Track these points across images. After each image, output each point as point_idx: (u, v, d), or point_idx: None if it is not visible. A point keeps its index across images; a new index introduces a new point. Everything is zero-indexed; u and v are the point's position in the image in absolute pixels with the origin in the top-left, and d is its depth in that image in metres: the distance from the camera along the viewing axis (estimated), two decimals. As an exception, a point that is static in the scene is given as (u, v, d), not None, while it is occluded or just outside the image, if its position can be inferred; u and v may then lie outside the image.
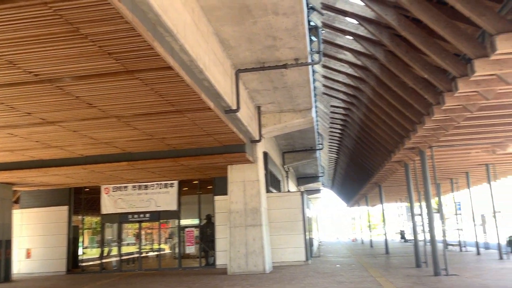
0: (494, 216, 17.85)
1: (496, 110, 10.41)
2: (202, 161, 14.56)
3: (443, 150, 14.26)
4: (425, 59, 9.83)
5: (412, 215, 16.76)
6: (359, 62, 13.28)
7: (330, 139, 28.63)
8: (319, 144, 24.04)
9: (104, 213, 18.66)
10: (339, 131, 24.88)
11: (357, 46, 12.34)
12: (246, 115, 13.30)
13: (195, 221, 18.74)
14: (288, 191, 27.22)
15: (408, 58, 9.78)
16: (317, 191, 46.26)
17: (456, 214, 23.29)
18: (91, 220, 19.92)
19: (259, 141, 15.52)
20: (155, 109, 9.57)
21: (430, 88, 10.43)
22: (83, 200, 19.53)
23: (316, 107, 17.78)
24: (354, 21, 11.17)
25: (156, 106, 9.35)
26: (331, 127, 24.43)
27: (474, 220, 20.20)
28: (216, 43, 10.05)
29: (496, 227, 17.75)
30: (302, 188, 39.52)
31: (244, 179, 15.58)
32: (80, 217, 19.47)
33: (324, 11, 11.10)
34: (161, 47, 6.75)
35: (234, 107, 11.41)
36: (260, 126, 15.71)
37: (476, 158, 16.55)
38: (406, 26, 8.85)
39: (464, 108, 10.08)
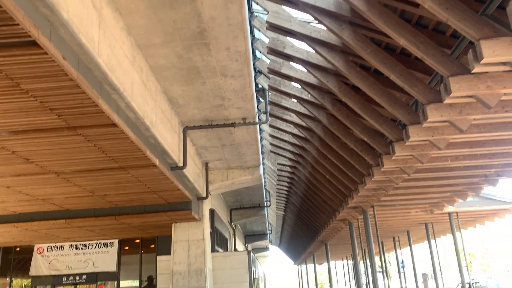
0: (434, 274, 18.36)
1: (431, 173, 11.03)
2: (145, 219, 14.09)
3: (385, 209, 14.76)
4: (364, 123, 10.38)
5: (357, 273, 16.89)
6: (303, 123, 13.77)
7: (277, 196, 28.83)
8: (267, 201, 24.11)
9: (35, 274, 17.28)
10: (286, 188, 25.17)
11: (301, 109, 12.85)
12: (193, 171, 13.20)
13: (136, 283, 17.76)
14: (235, 249, 26.69)
15: (348, 122, 10.29)
16: (265, 249, 45.76)
17: (399, 272, 23.74)
18: (20, 282, 18.35)
19: (205, 198, 15.34)
20: (97, 166, 9.28)
21: (370, 151, 10.95)
22: (12, 261, 18.04)
23: (264, 164, 18.01)
24: (299, 86, 11.71)
25: (98, 163, 9.08)
26: (278, 185, 24.69)
27: (416, 278, 20.65)
28: (165, 101, 10.11)
29: (437, 285, 18.22)
30: (250, 246, 38.92)
31: (189, 238, 15.16)
32: (7, 279, 17.88)
33: (270, 75, 11.58)
34: (106, 104, 6.69)
35: (180, 164, 11.32)
36: (207, 183, 15.59)
37: (415, 217, 17.22)
38: (346, 93, 9.39)
39: (402, 171, 10.60)
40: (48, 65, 5.25)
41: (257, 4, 9.05)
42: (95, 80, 6.43)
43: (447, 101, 6.75)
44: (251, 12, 9.41)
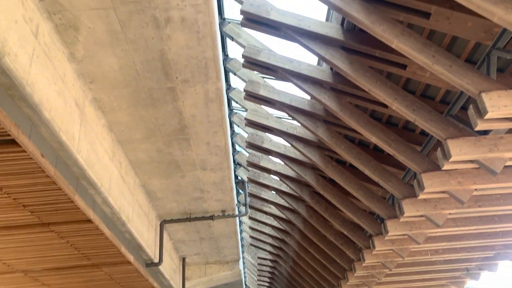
0: None
1: (412, 267, 10.87)
2: (117, 320, 13.15)
3: (369, 305, 14.20)
4: (343, 216, 10.40)
5: None
6: (283, 216, 13.70)
7: (258, 291, 27.57)
8: (247, 297, 22.99)
9: None
10: (267, 284, 24.19)
11: (281, 201, 12.87)
12: (169, 267, 12.68)
13: None
14: None
15: (327, 214, 10.29)
16: None
17: None
18: None
19: (182, 296, 14.56)
20: (69, 263, 8.87)
21: (351, 244, 10.83)
22: None
23: (243, 258, 17.49)
24: (278, 178, 11.86)
25: (70, 260, 8.69)
26: (259, 280, 23.76)
27: None
28: (142, 194, 10.03)
29: None
30: None
31: None
32: None
33: (249, 168, 11.74)
34: (82, 200, 6.60)
35: (156, 260, 10.92)
36: (184, 279, 14.92)
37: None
38: (324, 186, 9.52)
39: (383, 265, 10.43)
40: (26, 162, 5.24)
41: (236, 102, 9.48)
42: (73, 176, 6.41)
43: (422, 196, 6.90)
44: (230, 109, 9.81)
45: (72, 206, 6.52)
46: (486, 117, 4.91)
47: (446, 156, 5.83)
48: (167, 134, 8.22)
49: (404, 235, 8.89)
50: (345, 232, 10.22)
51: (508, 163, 6.00)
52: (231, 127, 10.43)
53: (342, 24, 6.48)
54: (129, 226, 8.61)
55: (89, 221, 7.04)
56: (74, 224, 7.13)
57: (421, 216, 7.77)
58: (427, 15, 5.39)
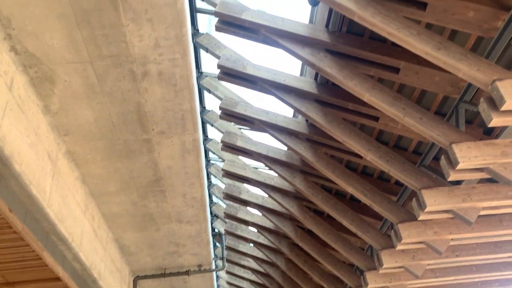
0: None
1: (393, 320, 10.61)
2: None
3: None
4: (323, 268, 10.21)
5: None
6: (262, 269, 13.36)
7: None
8: None
9: None
10: None
11: (259, 254, 12.60)
12: (142, 327, 12.05)
13: None
14: None
15: (307, 267, 10.10)
16: None
17: None
18: None
19: None
20: (34, 325, 8.33)
21: (331, 297, 10.57)
22: None
23: (220, 314, 16.79)
24: (255, 230, 11.67)
25: (35, 321, 8.16)
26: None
27: None
28: (115, 249, 9.68)
29: None
30: None
31: None
32: None
33: (227, 220, 11.56)
34: (51, 256, 6.32)
35: (129, 319, 10.39)
36: None
37: None
38: (302, 237, 9.41)
39: (365, 319, 10.15)
40: (-8, 218, 5.04)
41: (214, 153, 9.47)
42: (42, 232, 6.16)
43: (400, 247, 6.87)
44: (207, 160, 9.79)
45: (40, 263, 6.23)
46: (458, 167, 5.02)
47: (421, 206, 5.88)
48: (142, 186, 8.09)
49: (384, 287, 8.75)
50: (325, 286, 10.00)
51: (482, 212, 6.09)
52: (208, 178, 10.35)
53: (315, 78, 6.68)
54: (100, 283, 8.22)
55: (57, 279, 6.71)
56: (42, 283, 6.77)
57: (400, 267, 7.70)
58: (396, 70, 5.62)
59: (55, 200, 6.23)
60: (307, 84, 6.70)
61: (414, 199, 6.14)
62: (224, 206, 11.51)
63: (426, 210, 5.81)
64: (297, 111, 6.71)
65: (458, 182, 6.04)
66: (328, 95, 6.56)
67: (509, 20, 4.47)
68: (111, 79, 6.07)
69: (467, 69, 4.32)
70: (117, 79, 6.08)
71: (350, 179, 7.04)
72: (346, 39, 5.80)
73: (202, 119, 8.43)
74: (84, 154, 7.10)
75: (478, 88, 5.11)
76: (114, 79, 6.08)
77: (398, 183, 7.74)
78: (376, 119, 6.44)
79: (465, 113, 5.57)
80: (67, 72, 5.86)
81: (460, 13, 4.71)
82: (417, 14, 4.88)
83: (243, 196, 9.74)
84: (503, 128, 5.57)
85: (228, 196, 9.72)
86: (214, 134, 9.40)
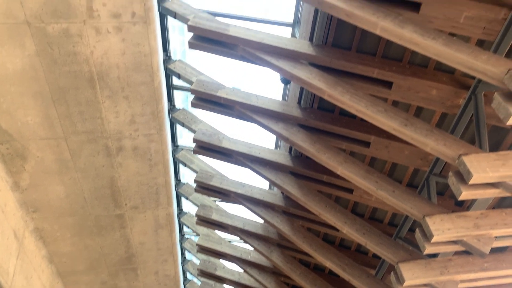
0: None
1: None
2: None
3: None
4: None
5: None
6: None
7: None
8: None
9: None
10: None
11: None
12: None
13: None
14: None
15: None
16: None
17: None
18: None
19: None
20: None
21: None
22: None
23: None
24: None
25: None
26: None
27: None
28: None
29: None
30: None
31: None
32: None
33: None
34: None
35: None
36: None
37: None
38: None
39: None
40: None
41: (188, 227, 9.26)
42: (1, 318, 5.72)
43: (381, 323, 6.65)
44: (182, 235, 9.54)
45: None
46: (433, 240, 5.03)
47: (400, 280, 5.78)
48: (112, 264, 7.75)
49: None
50: None
51: (460, 285, 6.02)
52: (182, 253, 10.02)
53: (290, 151, 6.80)
54: None
55: None
56: None
57: None
58: (367, 144, 5.79)
59: (19, 282, 5.88)
60: (282, 157, 6.80)
61: (392, 272, 6.05)
62: (199, 283, 11.05)
63: (405, 284, 5.70)
64: (272, 183, 6.73)
65: (434, 255, 6.02)
66: (303, 168, 6.64)
67: (468, 98, 4.75)
68: (85, 155, 6.03)
69: (434, 144, 4.49)
70: (91, 154, 6.04)
71: (328, 253, 6.93)
72: (318, 115, 6.00)
73: (176, 192, 8.33)
74: (53, 231, 6.83)
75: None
76: (88, 155, 6.04)
77: (376, 256, 7.67)
78: (350, 191, 6.50)
79: (436, 185, 5.70)
80: (40, 148, 5.81)
81: (423, 91, 5.00)
82: (384, 92, 5.15)
83: (219, 273, 9.41)
84: (474, 199, 5.70)
85: (203, 273, 9.37)
86: (189, 207, 9.26)
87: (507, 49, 4.27)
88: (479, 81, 4.59)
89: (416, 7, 4.37)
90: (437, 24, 4.41)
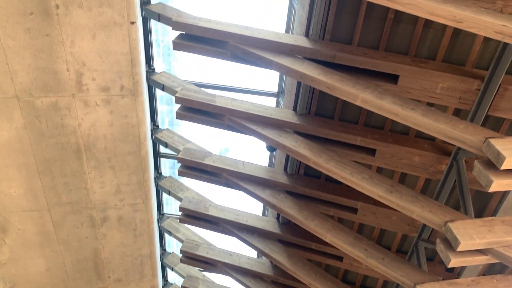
0: None
1: None
2: None
3: None
4: None
5: None
6: None
7: None
8: None
9: None
10: None
11: None
12: None
13: None
14: None
15: None
16: None
17: None
18: None
19: None
20: None
21: None
22: None
23: None
24: None
25: None
26: None
27: None
28: None
29: None
30: None
31: None
32: None
33: None
34: None
35: None
36: None
37: None
38: None
39: None
40: None
41: None
42: None
43: None
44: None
45: None
46: (426, 310, 4.91)
47: None
48: None
49: None
50: None
51: None
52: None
53: (278, 218, 6.75)
54: None
55: None
56: None
57: None
58: (354, 210, 5.80)
59: None
60: (270, 224, 6.72)
61: None
62: None
63: None
64: (260, 252, 6.60)
65: (429, 324, 5.84)
66: (291, 235, 6.56)
67: (450, 164, 4.85)
68: (69, 226, 5.90)
69: (420, 211, 4.51)
70: (75, 225, 5.91)
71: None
72: (304, 181, 6.04)
73: (162, 262, 8.08)
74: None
75: (433, 226, 5.28)
76: (72, 226, 5.91)
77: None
78: (340, 259, 6.40)
79: (425, 250, 5.66)
80: (22, 220, 5.67)
81: (406, 158, 5.10)
82: (368, 159, 5.24)
83: None
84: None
85: None
86: (175, 278, 8.94)
87: (483, 117, 4.45)
88: (459, 147, 4.72)
89: (394, 79, 4.59)
90: (415, 94, 4.61)
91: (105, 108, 5.25)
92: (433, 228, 5.44)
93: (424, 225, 5.45)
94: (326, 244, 6.19)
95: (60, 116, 5.19)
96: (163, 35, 7.88)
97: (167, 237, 8.49)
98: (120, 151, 5.44)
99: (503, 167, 3.41)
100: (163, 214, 7.82)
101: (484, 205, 5.37)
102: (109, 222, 5.98)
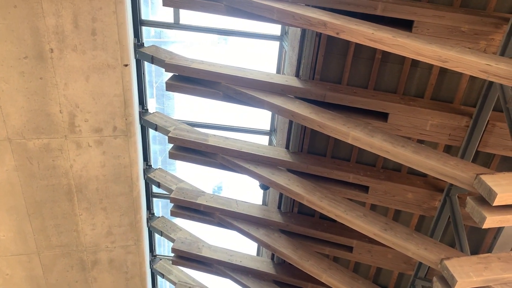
0: None
1: None
2: None
3: None
4: None
5: None
6: None
7: None
8: None
9: None
10: None
11: None
12: None
13: None
14: None
15: None
16: None
17: None
18: None
19: None
20: None
21: None
22: None
23: None
24: None
25: None
26: None
27: None
28: None
29: None
30: None
31: None
32: None
33: None
34: None
35: None
36: None
37: None
38: None
39: None
40: None
41: None
42: None
43: None
44: None
45: None
46: None
47: None
48: None
49: None
50: None
51: None
52: None
53: (272, 258, 6.63)
54: None
55: None
56: None
57: None
58: (350, 248, 5.72)
59: None
60: (264, 265, 6.60)
61: None
62: None
63: None
64: (255, 294, 6.45)
65: None
66: (287, 275, 6.43)
67: (444, 200, 4.85)
68: (58, 270, 5.75)
69: (415, 249, 4.46)
70: (64, 269, 5.76)
71: None
72: (298, 219, 5.99)
73: (155, 306, 7.85)
74: None
75: (430, 264, 5.22)
76: (62, 270, 5.76)
77: None
78: (337, 299, 6.25)
79: (422, 289, 5.56)
80: (10, 265, 5.53)
81: (399, 194, 5.10)
82: (361, 196, 5.23)
83: None
84: (463, 303, 5.52)
85: None
86: (168, 322, 8.65)
87: (473, 153, 4.50)
88: (452, 184, 4.74)
89: (384, 117, 4.66)
90: (405, 131, 4.67)
91: (97, 149, 5.25)
92: (429, 266, 5.38)
93: (421, 263, 5.38)
94: (322, 284, 6.06)
95: (52, 158, 5.17)
96: (157, 76, 8.01)
97: (159, 279, 8.28)
98: (112, 192, 5.39)
99: (495, 203, 3.41)
100: (155, 256, 7.66)
101: (480, 241, 5.33)
102: (100, 265, 5.84)
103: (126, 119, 5.18)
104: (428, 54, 3.61)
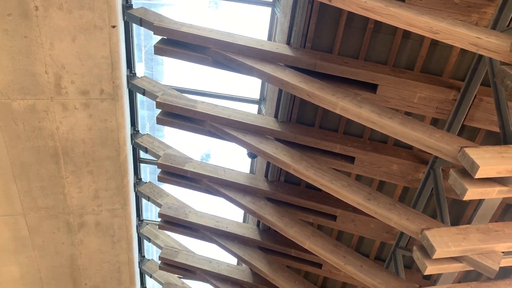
0: None
1: None
2: None
3: None
4: None
5: None
6: None
7: None
8: None
9: None
10: None
11: None
12: None
13: None
14: None
15: None
16: None
17: None
18: None
19: None
20: None
21: None
22: None
23: None
24: None
25: None
26: None
27: None
28: None
29: None
30: None
31: None
32: None
33: None
34: None
35: None
36: None
37: None
38: None
39: None
40: None
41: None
42: None
43: None
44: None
45: None
46: (403, 317, 4.95)
47: None
48: None
49: None
50: None
51: None
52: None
53: (258, 225, 6.74)
54: None
55: None
56: None
57: None
58: (333, 217, 5.83)
59: None
60: (250, 231, 6.71)
61: None
62: None
63: None
64: (240, 259, 6.57)
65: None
66: (271, 242, 6.55)
67: (428, 173, 4.93)
68: (44, 231, 5.78)
69: (397, 219, 4.56)
70: (51, 231, 5.79)
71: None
72: (285, 188, 6.06)
73: (140, 269, 7.97)
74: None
75: (411, 234, 5.34)
76: (48, 231, 5.79)
77: (347, 333, 7.41)
78: (319, 265, 6.41)
79: (403, 258, 5.71)
80: (-4, 226, 5.54)
81: (384, 166, 5.17)
82: (347, 167, 5.29)
83: None
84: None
85: None
86: (154, 285, 8.83)
87: (459, 127, 4.54)
88: (436, 156, 4.80)
89: (373, 88, 4.65)
90: (394, 103, 4.68)
91: (84, 112, 5.19)
92: (410, 236, 5.51)
93: (402, 233, 5.51)
94: (306, 251, 6.20)
95: (37, 119, 5.10)
96: (146, 40, 7.84)
97: (146, 243, 8.39)
98: (99, 155, 5.37)
99: (477, 176, 3.48)
100: (142, 220, 7.73)
101: (461, 214, 5.46)
102: (86, 227, 5.88)
103: (113, 82, 5.11)
104: (419, 25, 3.59)
